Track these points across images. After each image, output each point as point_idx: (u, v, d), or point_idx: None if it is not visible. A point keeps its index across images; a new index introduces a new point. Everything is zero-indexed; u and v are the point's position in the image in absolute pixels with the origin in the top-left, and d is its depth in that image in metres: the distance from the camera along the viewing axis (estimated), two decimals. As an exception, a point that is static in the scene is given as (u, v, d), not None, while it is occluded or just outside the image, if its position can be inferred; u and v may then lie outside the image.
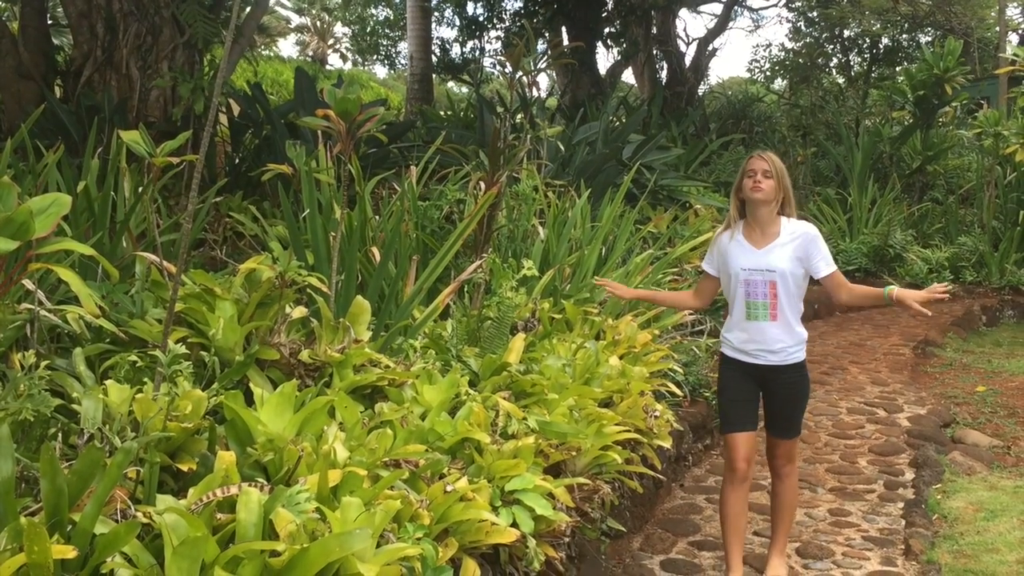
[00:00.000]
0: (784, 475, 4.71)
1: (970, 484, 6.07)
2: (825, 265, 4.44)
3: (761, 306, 4.42)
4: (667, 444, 5.34)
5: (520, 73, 8.10)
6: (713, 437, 6.97)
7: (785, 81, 23.94)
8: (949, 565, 4.86)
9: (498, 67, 21.40)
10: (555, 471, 4.44)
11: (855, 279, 13.62)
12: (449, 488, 3.55)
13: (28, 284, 4.01)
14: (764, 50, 32.25)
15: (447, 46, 21.01)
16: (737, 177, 4.51)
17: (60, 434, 3.36)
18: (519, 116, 9.55)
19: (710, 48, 22.07)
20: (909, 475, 6.31)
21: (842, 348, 10.45)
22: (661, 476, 5.58)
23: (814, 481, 6.23)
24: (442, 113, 16.48)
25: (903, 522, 5.51)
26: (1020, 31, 23.98)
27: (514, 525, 3.73)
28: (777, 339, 4.45)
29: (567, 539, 4.18)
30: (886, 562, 5.03)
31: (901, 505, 5.79)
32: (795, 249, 4.38)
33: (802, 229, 4.44)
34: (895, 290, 4.38)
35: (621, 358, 5.75)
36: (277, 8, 34.88)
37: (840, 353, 10.17)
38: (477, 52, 20.89)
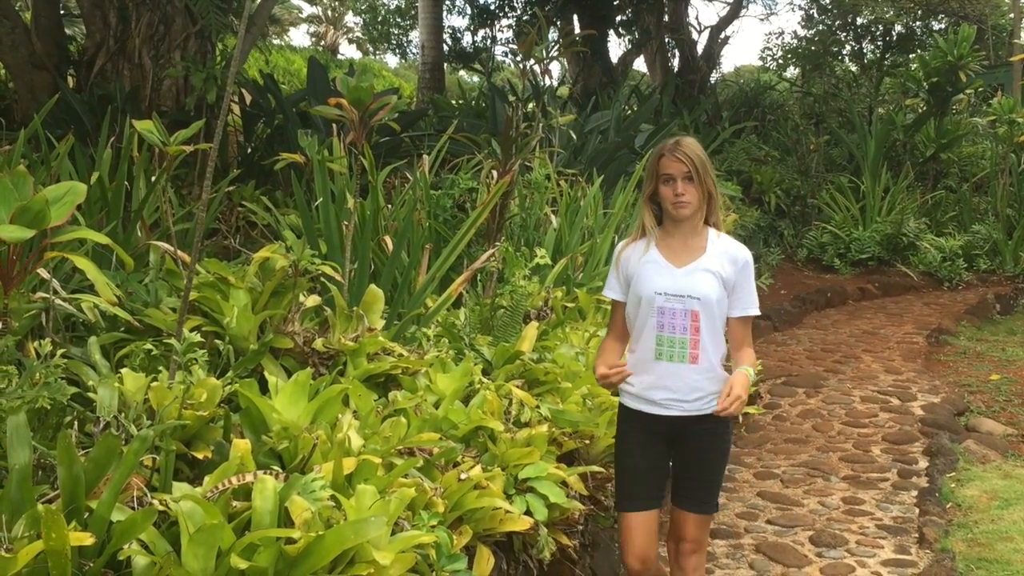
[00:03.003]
0: (689, 571, 3.66)
1: (984, 472, 6.06)
2: (748, 305, 3.53)
3: (678, 343, 3.46)
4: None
5: (532, 61, 8.09)
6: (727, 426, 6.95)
7: (798, 69, 23.81)
8: (963, 553, 4.86)
9: (510, 56, 21.36)
10: (569, 459, 4.45)
11: (868, 268, 13.64)
12: (463, 476, 3.56)
13: (43, 273, 4.03)
14: (776, 38, 32.15)
15: (458, 35, 20.97)
16: (648, 179, 3.55)
17: (76, 422, 3.38)
18: (531, 105, 9.53)
19: (722, 36, 21.98)
20: (923, 463, 6.30)
21: (855, 337, 10.42)
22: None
23: (827, 469, 6.22)
24: (454, 102, 16.46)
25: (917, 510, 5.51)
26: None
27: (528, 513, 3.74)
28: (695, 387, 3.48)
29: (580, 527, 4.19)
30: (900, 550, 5.03)
31: (915, 493, 5.78)
32: (723, 270, 3.47)
33: (735, 250, 3.53)
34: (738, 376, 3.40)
35: (634, 346, 5.74)
36: (288, -3, 34.88)
37: (853, 342, 10.14)
38: (488, 41, 20.84)
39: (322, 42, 41.11)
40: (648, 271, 3.50)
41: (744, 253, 3.53)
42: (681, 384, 3.48)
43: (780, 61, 24.61)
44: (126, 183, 5.54)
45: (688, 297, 3.43)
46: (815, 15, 23.10)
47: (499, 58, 22.03)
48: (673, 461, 3.65)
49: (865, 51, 23.12)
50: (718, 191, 3.52)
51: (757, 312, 3.55)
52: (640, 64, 23.49)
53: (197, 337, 3.70)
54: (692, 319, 3.44)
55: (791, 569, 4.84)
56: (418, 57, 18.98)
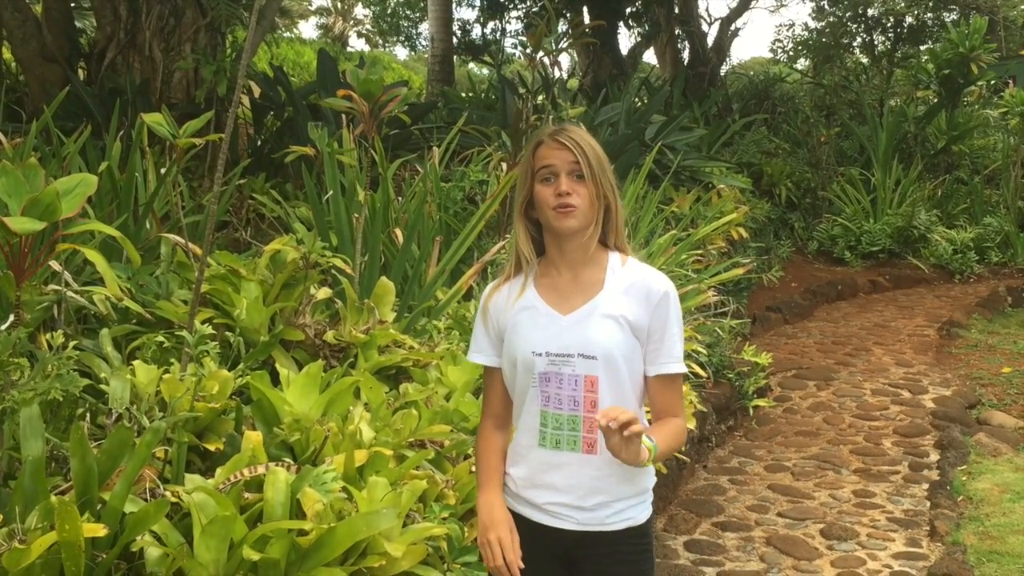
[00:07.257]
0: None
1: (996, 465, 6.04)
2: (669, 358, 2.39)
3: (567, 422, 2.36)
4: (691, 425, 5.33)
5: (541, 53, 8.06)
6: (736, 418, 6.96)
7: (808, 61, 23.73)
8: (975, 547, 4.85)
9: (519, 48, 21.34)
10: (579, 452, 4.44)
11: (879, 260, 13.56)
12: (474, 468, 3.56)
13: (55, 265, 4.04)
14: (787, 30, 32.08)
15: (468, 27, 20.93)
16: (522, 182, 2.44)
17: (88, 414, 3.39)
18: (541, 97, 9.51)
19: (732, 28, 21.88)
20: (934, 456, 6.29)
21: (866, 329, 10.39)
22: (685, 457, 5.58)
23: (838, 463, 6.21)
24: (463, 94, 16.45)
25: (928, 503, 5.50)
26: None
27: (539, 505, 3.74)
28: (595, 488, 2.38)
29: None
30: (911, 543, 5.02)
31: (926, 486, 5.77)
32: (629, 312, 2.37)
33: (649, 280, 2.41)
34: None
35: (644, 339, 5.73)
36: (298, -10, 34.89)
37: (864, 334, 10.11)
38: (498, 33, 20.83)
39: (331, 34, 41.14)
40: (524, 322, 2.41)
41: (661, 283, 2.40)
42: (573, 483, 2.38)
43: (791, 53, 24.54)
44: (136, 175, 5.55)
45: (579, 357, 2.34)
46: (826, 6, 23.00)
47: (509, 50, 22.02)
48: None
49: (876, 43, 23.02)
50: (619, 200, 2.47)
51: (682, 369, 2.43)
52: (650, 56, 23.44)
53: (208, 329, 3.70)
54: (586, 388, 2.34)
55: (802, 561, 4.84)
56: (428, 49, 18.99)
